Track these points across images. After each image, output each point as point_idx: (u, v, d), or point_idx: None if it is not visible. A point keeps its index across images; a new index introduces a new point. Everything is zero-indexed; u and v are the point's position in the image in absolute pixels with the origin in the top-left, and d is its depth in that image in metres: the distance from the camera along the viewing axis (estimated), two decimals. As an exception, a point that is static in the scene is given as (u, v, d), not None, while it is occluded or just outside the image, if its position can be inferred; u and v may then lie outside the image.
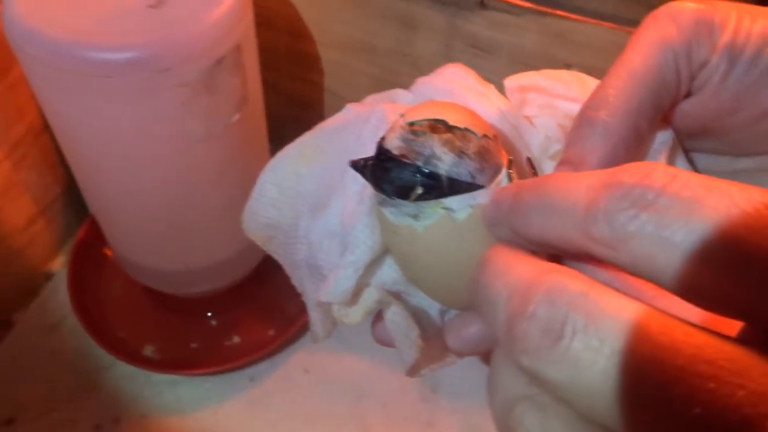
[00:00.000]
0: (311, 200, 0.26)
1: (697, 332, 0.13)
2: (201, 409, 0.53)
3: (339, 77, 0.54)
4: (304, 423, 0.52)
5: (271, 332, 0.56)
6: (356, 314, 0.26)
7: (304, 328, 0.57)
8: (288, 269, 0.29)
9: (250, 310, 0.58)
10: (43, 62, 0.34)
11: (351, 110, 0.27)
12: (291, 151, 0.26)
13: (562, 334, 0.13)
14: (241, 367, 0.54)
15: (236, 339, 0.56)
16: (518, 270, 0.16)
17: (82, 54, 0.33)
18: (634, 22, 0.24)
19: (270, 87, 0.53)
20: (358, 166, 0.24)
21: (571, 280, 0.14)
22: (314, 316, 0.28)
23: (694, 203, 0.13)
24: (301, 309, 0.57)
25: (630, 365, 0.12)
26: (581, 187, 0.15)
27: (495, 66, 0.46)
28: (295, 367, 0.55)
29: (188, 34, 0.34)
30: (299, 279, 0.29)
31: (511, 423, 0.15)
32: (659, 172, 0.14)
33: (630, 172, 0.14)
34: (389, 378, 0.55)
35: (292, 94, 0.58)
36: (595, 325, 0.13)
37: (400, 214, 0.23)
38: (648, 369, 0.12)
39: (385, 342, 0.27)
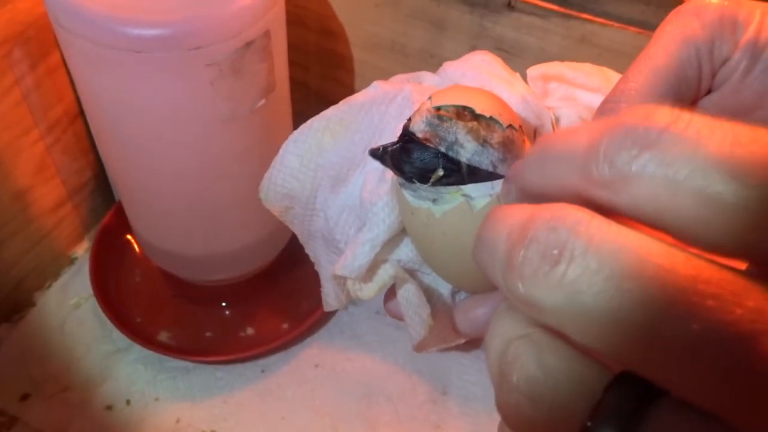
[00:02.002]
0: (332, 173, 0.27)
1: (697, 259, 0.13)
2: (212, 397, 0.53)
3: (367, 77, 0.55)
4: (312, 416, 0.52)
5: (285, 326, 0.56)
6: (370, 290, 0.26)
7: (318, 323, 0.57)
8: (302, 239, 0.29)
9: (265, 304, 0.58)
10: (80, 36, 0.35)
11: (378, 87, 0.27)
12: (315, 123, 0.27)
13: (561, 258, 0.13)
14: (254, 358, 0.55)
15: (250, 330, 0.57)
16: (520, 211, 0.15)
17: (116, 28, 0.35)
18: (661, 28, 0.25)
19: (298, 85, 0.54)
20: (377, 154, 0.24)
21: (574, 209, 0.14)
22: (327, 286, 0.29)
23: (698, 141, 0.13)
24: (314, 306, 0.57)
25: (629, 286, 0.13)
26: (583, 133, 0.16)
27: (520, 68, 0.46)
28: (307, 362, 0.55)
29: (219, 15, 0.36)
30: (313, 249, 0.29)
31: (507, 362, 0.15)
32: (663, 111, 0.14)
33: (633, 114, 0.14)
34: (399, 377, 0.54)
35: (319, 93, 0.59)
36: (596, 248, 0.13)
37: (419, 197, 0.24)
38: (647, 290, 0.12)
39: (397, 316, 0.27)
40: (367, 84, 0.28)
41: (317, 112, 0.28)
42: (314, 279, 0.59)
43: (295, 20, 0.55)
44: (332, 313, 0.58)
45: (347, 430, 0.52)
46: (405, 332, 0.57)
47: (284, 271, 0.59)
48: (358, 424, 0.52)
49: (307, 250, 0.30)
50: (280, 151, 0.28)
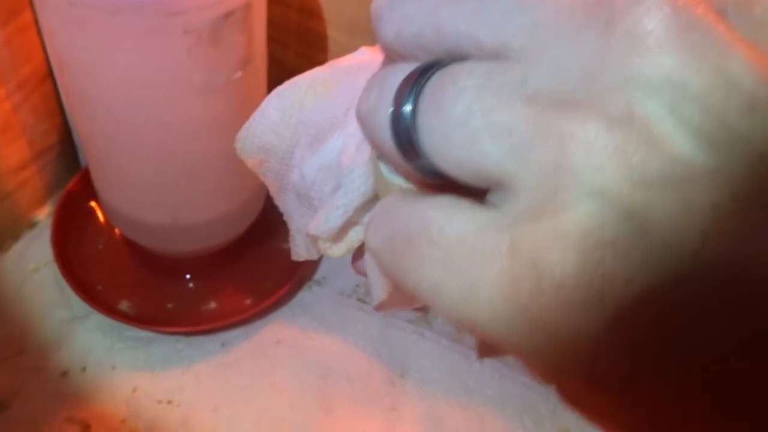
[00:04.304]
0: (311, 131, 0.27)
1: None
2: (171, 368, 0.53)
3: (343, 58, 0.55)
4: (270, 391, 0.52)
5: (248, 302, 0.56)
6: (339, 249, 0.27)
7: (281, 301, 0.57)
8: (274, 191, 0.30)
9: (229, 279, 0.58)
10: (57, -7, 0.35)
11: (365, 53, 0.28)
12: (300, 82, 0.27)
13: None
14: (215, 331, 0.55)
15: (213, 304, 0.57)
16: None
17: (95, -12, 0.34)
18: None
19: (276, 62, 0.54)
20: None
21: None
22: (297, 237, 0.30)
23: None
24: (278, 283, 0.57)
25: None
26: None
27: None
28: (268, 338, 0.56)
29: (201, -18, 0.35)
30: (284, 201, 0.30)
31: None
32: None
33: None
34: (358, 359, 0.55)
35: (296, 71, 0.59)
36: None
37: (394, 173, 0.24)
38: None
39: (364, 274, 0.28)
40: (342, 66, 0.28)
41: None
42: (279, 257, 0.60)
43: (276, -4, 0.54)
44: (295, 292, 0.59)
45: (303, 408, 0.52)
46: (366, 314, 0.58)
47: (250, 248, 0.59)
48: (315, 402, 0.52)
49: (276, 202, 0.30)
50: (262, 104, 0.28)
